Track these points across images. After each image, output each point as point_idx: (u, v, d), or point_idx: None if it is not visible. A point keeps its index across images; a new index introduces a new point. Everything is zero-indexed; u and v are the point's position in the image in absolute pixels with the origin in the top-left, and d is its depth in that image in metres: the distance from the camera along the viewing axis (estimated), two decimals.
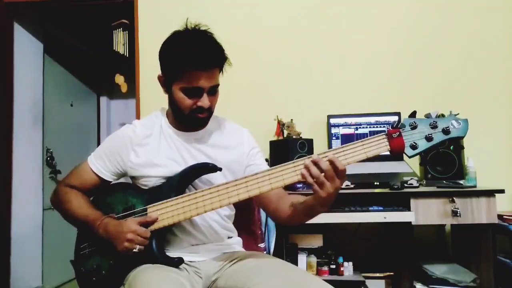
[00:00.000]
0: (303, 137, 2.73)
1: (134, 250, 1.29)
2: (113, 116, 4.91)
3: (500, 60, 2.92)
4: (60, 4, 3.53)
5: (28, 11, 3.50)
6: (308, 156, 1.20)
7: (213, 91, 1.39)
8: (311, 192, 1.19)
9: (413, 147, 1.17)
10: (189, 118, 1.41)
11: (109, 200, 1.48)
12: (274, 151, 2.76)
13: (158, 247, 1.35)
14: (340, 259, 2.58)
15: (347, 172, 1.17)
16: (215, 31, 1.41)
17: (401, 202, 2.31)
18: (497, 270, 2.26)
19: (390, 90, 2.98)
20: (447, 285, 2.34)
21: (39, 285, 3.52)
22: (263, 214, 2.05)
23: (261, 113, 3.00)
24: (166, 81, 1.42)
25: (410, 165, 2.61)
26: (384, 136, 1.19)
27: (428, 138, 1.17)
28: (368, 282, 2.55)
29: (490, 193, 2.27)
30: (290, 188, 2.40)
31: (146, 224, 1.34)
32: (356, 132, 2.81)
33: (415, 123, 1.18)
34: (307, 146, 2.59)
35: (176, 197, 1.34)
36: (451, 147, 2.53)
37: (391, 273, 2.64)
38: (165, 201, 1.35)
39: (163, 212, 1.34)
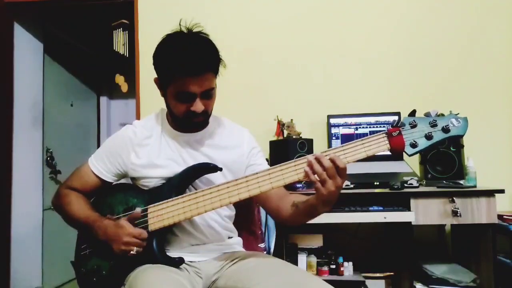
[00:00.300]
0: (303, 137, 2.72)
1: (132, 252, 1.29)
2: (113, 116, 4.91)
3: (500, 60, 2.92)
4: (60, 4, 3.54)
5: (28, 11, 3.50)
6: (311, 155, 1.20)
7: (207, 95, 1.36)
8: (312, 192, 1.19)
9: (413, 145, 1.17)
10: (184, 123, 1.42)
11: (110, 201, 1.48)
12: (274, 151, 2.76)
13: (158, 247, 1.36)
14: (340, 259, 2.58)
15: (347, 172, 1.17)
16: (215, 31, 1.40)
17: (401, 202, 2.31)
18: (497, 270, 2.26)
19: (390, 90, 2.98)
20: (447, 285, 2.34)
21: (39, 285, 3.52)
22: (263, 214, 2.05)
23: (261, 113, 3.00)
24: (160, 85, 1.42)
25: (410, 165, 2.61)
26: (384, 135, 1.19)
27: (428, 137, 1.17)
28: (368, 282, 2.55)
29: (490, 193, 2.26)
30: (290, 188, 2.40)
31: (145, 224, 1.34)
32: (356, 132, 2.82)
33: (415, 122, 1.18)
34: (307, 146, 2.59)
35: (176, 197, 1.34)
36: (451, 147, 2.53)
37: (391, 273, 2.64)
38: (165, 201, 1.35)
39: (164, 212, 1.34)
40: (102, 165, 1.49)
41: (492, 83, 2.92)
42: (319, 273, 2.54)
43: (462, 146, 2.54)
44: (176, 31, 1.38)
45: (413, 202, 2.28)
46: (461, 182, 2.48)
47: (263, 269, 1.32)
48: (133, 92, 3.37)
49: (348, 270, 2.57)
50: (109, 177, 1.50)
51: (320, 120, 2.96)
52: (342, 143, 2.76)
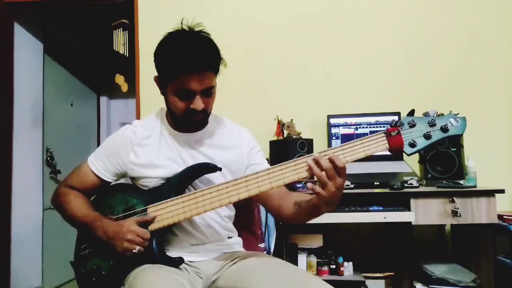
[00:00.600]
0: (303, 137, 2.73)
1: (134, 250, 1.29)
2: (113, 116, 4.91)
3: (500, 60, 2.92)
4: (60, 4, 3.54)
5: (28, 11, 3.50)
6: (309, 155, 1.20)
7: (207, 93, 1.36)
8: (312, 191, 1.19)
9: (412, 145, 1.17)
10: (184, 121, 1.41)
11: (109, 201, 1.48)
12: (274, 151, 2.76)
13: (158, 247, 1.35)
14: (340, 259, 2.58)
15: (347, 172, 1.18)
16: (215, 31, 1.40)
17: (401, 202, 2.31)
18: (497, 270, 2.26)
19: (390, 90, 2.99)
20: (447, 285, 2.34)
21: (39, 285, 3.52)
22: (263, 214, 2.05)
23: (261, 113, 3.01)
24: (160, 83, 1.42)
25: (410, 165, 2.61)
26: (383, 135, 1.20)
27: (427, 136, 1.17)
28: (368, 282, 2.55)
29: (490, 193, 2.27)
30: (290, 188, 2.40)
31: (145, 224, 1.34)
32: (356, 132, 2.82)
33: (414, 122, 1.18)
34: (307, 146, 2.59)
35: (176, 197, 1.34)
36: (451, 147, 2.53)
37: (391, 273, 2.64)
38: (165, 201, 1.35)
39: (163, 212, 1.34)
40: (101, 165, 1.49)
41: (492, 83, 2.92)
42: (319, 273, 2.54)
43: (462, 145, 2.53)
44: (177, 29, 1.38)
45: (413, 202, 2.28)
46: (461, 182, 2.48)
47: (263, 269, 1.32)
48: (133, 92, 3.37)
49: (348, 270, 2.57)
50: (108, 177, 1.50)
51: (320, 120, 2.96)
52: (342, 143, 2.77)
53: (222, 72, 1.40)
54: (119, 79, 4.09)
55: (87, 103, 4.52)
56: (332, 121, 2.85)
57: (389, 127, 1.20)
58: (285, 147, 2.63)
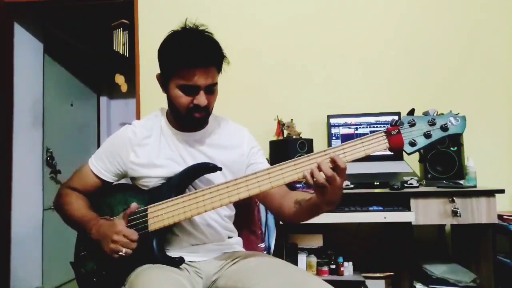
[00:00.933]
0: (303, 137, 2.73)
1: (121, 253, 1.27)
2: (113, 116, 4.91)
3: (500, 60, 2.92)
4: (60, 4, 3.54)
5: (28, 11, 3.50)
6: (309, 155, 1.20)
7: (210, 90, 1.38)
8: (312, 191, 1.19)
9: (412, 144, 1.18)
10: (186, 118, 1.41)
11: (110, 201, 1.48)
12: (274, 151, 2.76)
13: (158, 247, 1.35)
14: (340, 259, 2.58)
15: (347, 172, 1.18)
16: (215, 31, 1.41)
17: (401, 202, 2.31)
18: (497, 270, 2.26)
19: (390, 90, 2.99)
20: (447, 285, 2.34)
21: (39, 285, 3.52)
22: (263, 214, 2.05)
23: (261, 113, 3.01)
24: (163, 79, 1.42)
25: (410, 165, 2.61)
26: (383, 134, 1.20)
27: (427, 135, 1.18)
28: (368, 282, 2.55)
29: (490, 193, 2.27)
30: (290, 188, 2.40)
31: (143, 224, 1.34)
32: (356, 132, 2.82)
33: (414, 121, 1.19)
34: (307, 146, 2.59)
35: (176, 197, 1.34)
36: (451, 147, 2.53)
37: (391, 273, 2.64)
38: (165, 201, 1.35)
39: (164, 212, 1.34)
40: (102, 165, 1.49)
41: (492, 83, 2.92)
42: (319, 273, 2.54)
43: (461, 144, 2.53)
44: (182, 27, 1.40)
45: (413, 202, 2.28)
46: (461, 182, 2.48)
47: (263, 269, 1.32)
48: (133, 92, 3.37)
49: (348, 270, 2.57)
50: (109, 177, 1.50)
51: (320, 120, 2.96)
52: (342, 143, 2.79)
53: (225, 69, 1.42)
54: (119, 79, 4.10)
55: (87, 103, 4.52)
56: (332, 121, 2.85)
57: (389, 126, 1.20)
58: (285, 147, 2.63)
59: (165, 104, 1.50)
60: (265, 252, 1.80)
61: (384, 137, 1.20)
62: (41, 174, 3.65)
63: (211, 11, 3.14)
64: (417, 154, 2.59)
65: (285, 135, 2.81)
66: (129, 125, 1.53)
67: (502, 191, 2.25)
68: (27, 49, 3.51)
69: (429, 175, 2.55)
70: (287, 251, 2.50)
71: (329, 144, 2.85)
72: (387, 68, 3.01)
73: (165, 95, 1.46)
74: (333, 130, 2.84)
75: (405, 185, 2.37)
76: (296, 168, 1.21)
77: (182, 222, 1.38)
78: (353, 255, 2.64)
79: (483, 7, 2.96)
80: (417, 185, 2.39)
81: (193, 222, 1.42)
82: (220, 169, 1.40)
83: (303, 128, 2.86)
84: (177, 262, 1.34)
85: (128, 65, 3.58)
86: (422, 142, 1.18)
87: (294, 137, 2.72)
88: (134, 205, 1.35)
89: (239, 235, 1.62)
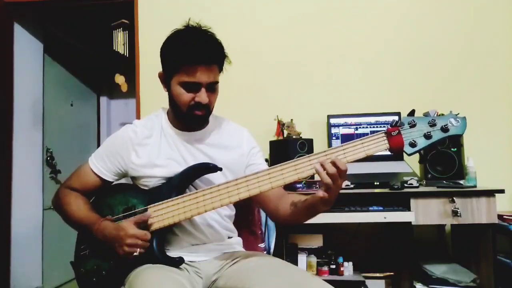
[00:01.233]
0: (303, 137, 2.73)
1: (135, 254, 1.30)
2: (113, 116, 4.91)
3: (500, 60, 2.92)
4: (60, 4, 3.54)
5: (28, 11, 3.50)
6: (308, 155, 1.20)
7: (211, 88, 1.39)
8: (312, 191, 1.20)
9: (412, 145, 1.18)
10: (187, 116, 1.41)
11: (110, 201, 1.48)
12: (274, 151, 2.76)
13: (158, 247, 1.36)
14: (340, 259, 2.58)
15: (347, 172, 1.18)
16: (215, 31, 1.42)
17: (401, 202, 2.31)
18: (497, 270, 2.26)
19: (390, 90, 2.99)
20: (447, 285, 2.34)
21: (39, 285, 3.52)
22: (263, 214, 2.05)
23: (261, 113, 3.01)
24: (166, 77, 1.42)
25: (410, 165, 2.61)
26: (384, 135, 1.20)
27: (427, 136, 1.18)
28: (368, 282, 2.55)
29: (490, 193, 2.26)
30: (290, 188, 2.40)
31: (143, 224, 1.34)
32: (356, 132, 2.81)
33: (414, 122, 1.19)
34: (307, 146, 2.59)
35: (176, 197, 1.34)
36: (450, 146, 2.53)
37: (391, 273, 2.64)
38: (165, 201, 1.35)
39: (164, 212, 1.34)
40: (102, 164, 1.49)
41: (492, 83, 2.92)
42: (319, 273, 2.54)
43: (461, 145, 2.53)
44: (185, 26, 1.41)
45: (413, 202, 2.28)
46: (461, 182, 2.48)
47: (263, 269, 1.32)
48: (133, 92, 3.37)
49: (348, 270, 2.57)
50: (109, 177, 1.50)
51: (320, 120, 2.96)
52: (342, 143, 2.77)
53: (225, 69, 1.43)
54: (119, 79, 4.10)
55: (87, 103, 4.52)
56: (332, 121, 2.85)
57: (389, 127, 1.20)
58: (285, 147, 2.63)
59: (165, 104, 1.50)
60: (265, 252, 1.80)
61: (385, 137, 1.20)
62: (41, 174, 3.65)
63: (211, 11, 3.14)
64: (417, 154, 2.59)
65: (285, 135, 2.81)
66: (130, 124, 1.53)
67: (502, 191, 2.25)
68: (27, 49, 3.51)
69: (429, 175, 2.55)
70: (287, 251, 2.50)
71: (329, 144, 2.85)
72: (387, 68, 3.01)
73: (165, 95, 1.46)
74: (333, 130, 2.84)
75: (405, 185, 2.37)
76: (297, 169, 1.21)
77: (182, 222, 1.38)
78: (353, 255, 2.64)
79: (483, 7, 2.96)
80: (417, 185, 2.39)
81: (193, 222, 1.42)
82: (220, 169, 1.40)
83: (303, 128, 2.86)
84: (177, 262, 1.35)
85: (128, 65, 3.58)
86: (422, 143, 1.18)
87: (294, 137, 2.73)
88: (148, 214, 1.36)
89: (239, 235, 1.62)
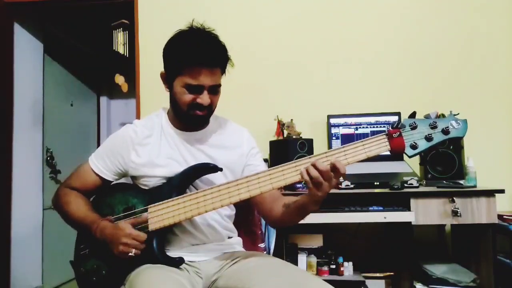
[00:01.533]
0: (303, 137, 2.73)
1: (130, 254, 1.29)
2: (113, 116, 4.91)
3: (500, 60, 2.93)
4: (60, 4, 3.54)
5: (28, 11, 3.50)
6: (309, 156, 1.20)
7: (214, 91, 1.39)
8: (304, 191, 1.20)
9: (413, 147, 1.18)
10: (188, 116, 1.41)
11: (109, 201, 1.48)
12: (274, 151, 2.76)
13: (158, 247, 1.36)
14: (340, 259, 2.58)
15: (347, 172, 1.18)
16: (215, 31, 1.41)
17: (401, 202, 2.31)
18: (497, 270, 2.26)
19: (390, 90, 2.99)
20: (447, 285, 2.34)
21: (39, 285, 3.52)
22: None
23: (261, 113, 3.01)
24: (168, 77, 1.42)
25: (410, 165, 2.61)
26: (385, 136, 1.20)
27: (428, 138, 1.18)
28: (368, 282, 2.55)
29: (490, 193, 2.26)
30: (290, 188, 2.41)
31: (142, 226, 1.34)
32: (356, 132, 2.81)
33: (415, 124, 1.19)
34: (307, 146, 2.59)
35: (177, 197, 1.34)
36: (451, 147, 2.53)
37: (391, 273, 2.64)
38: (166, 201, 1.35)
39: (164, 212, 1.34)
40: (102, 164, 1.49)
41: (492, 83, 2.92)
42: (319, 273, 2.54)
43: (462, 147, 2.53)
44: (189, 27, 1.41)
45: (413, 202, 2.28)
46: (461, 182, 2.48)
47: (263, 269, 1.33)
48: (133, 92, 3.38)
49: (348, 270, 2.57)
50: (109, 176, 1.50)
51: (320, 120, 2.96)
52: (342, 143, 2.80)
53: (228, 71, 1.43)
54: (119, 79, 4.10)
55: (87, 103, 4.52)
56: (332, 121, 2.85)
57: (390, 128, 1.20)
58: (285, 147, 2.63)
59: (166, 104, 1.50)
60: (265, 252, 1.80)
61: (386, 139, 1.20)
62: (41, 174, 3.65)
63: (211, 11, 3.14)
64: (418, 156, 2.59)
65: (285, 135, 2.81)
66: (130, 124, 1.53)
67: (502, 191, 2.25)
68: (27, 49, 3.51)
69: (429, 175, 2.55)
70: (287, 251, 2.50)
71: (329, 144, 2.85)
72: (387, 68, 3.01)
73: (165, 95, 1.46)
74: (333, 130, 2.84)
75: (405, 185, 2.37)
76: (297, 170, 1.21)
77: (182, 222, 1.38)
78: (353, 255, 2.64)
79: (483, 7, 2.96)
80: (417, 185, 2.39)
81: (193, 222, 1.43)
82: (221, 169, 1.41)
83: (303, 128, 2.86)
84: (177, 263, 1.35)
85: (128, 65, 3.58)
86: (423, 145, 1.18)
87: (294, 137, 2.73)
88: (145, 216, 1.36)
89: (239, 235, 1.62)
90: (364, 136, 2.75)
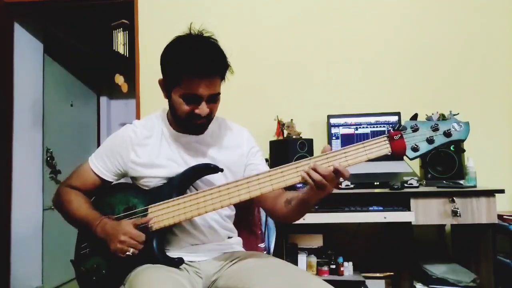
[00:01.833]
0: (303, 137, 2.73)
1: (127, 253, 1.29)
2: (113, 116, 4.91)
3: (500, 60, 2.92)
4: (60, 4, 3.53)
5: (28, 11, 3.50)
6: (309, 158, 1.21)
7: (213, 99, 1.37)
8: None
9: (415, 149, 1.18)
10: (186, 124, 1.41)
11: (110, 201, 1.48)
12: (274, 151, 2.76)
13: (158, 247, 1.36)
14: (340, 259, 2.58)
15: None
16: (215, 31, 1.40)
17: (401, 202, 2.31)
18: (497, 270, 2.26)
19: (390, 90, 2.98)
20: (447, 285, 2.35)
21: (39, 285, 3.52)
22: (263, 214, 2.06)
23: (261, 113, 3.01)
24: (166, 86, 1.41)
25: (410, 165, 2.61)
26: (386, 138, 1.20)
27: (429, 141, 1.18)
28: (368, 282, 2.55)
29: (490, 193, 2.27)
30: (290, 187, 2.40)
31: (143, 227, 1.34)
32: (356, 132, 2.81)
33: (417, 126, 1.19)
34: (307, 146, 2.59)
35: (177, 197, 1.34)
36: (451, 147, 2.53)
37: (391, 273, 2.64)
38: (166, 201, 1.35)
39: (164, 213, 1.34)
40: (102, 164, 1.49)
41: (492, 83, 2.92)
42: (319, 273, 2.54)
43: (463, 150, 2.52)
44: (186, 33, 1.38)
45: (413, 202, 2.28)
46: (461, 182, 2.48)
47: (263, 269, 1.33)
48: (133, 92, 3.37)
49: (348, 270, 2.57)
50: (109, 176, 1.50)
51: (320, 120, 2.96)
52: (342, 143, 2.80)
53: (228, 78, 1.41)
54: (119, 79, 4.10)
55: (87, 103, 4.52)
56: (332, 121, 2.85)
57: (391, 130, 1.20)
58: (285, 147, 2.63)
59: (166, 105, 1.50)
60: (265, 252, 1.81)
61: (387, 141, 1.20)
62: (41, 174, 3.65)
63: (211, 11, 3.14)
64: (419, 159, 2.59)
65: (285, 135, 2.81)
66: (130, 124, 1.53)
67: (502, 191, 2.25)
68: (27, 49, 3.51)
69: (429, 175, 2.56)
70: (287, 251, 2.50)
71: (329, 144, 2.83)
72: (387, 68, 3.01)
73: None
74: (333, 130, 2.84)
75: (405, 185, 2.37)
76: (298, 171, 1.22)
77: (182, 222, 1.38)
78: (353, 255, 2.64)
79: (482, 8, 2.95)
80: (417, 185, 2.39)
81: (193, 222, 1.43)
82: (222, 170, 1.40)
83: (303, 128, 2.86)
84: (177, 263, 1.35)
85: (128, 65, 3.58)
86: (424, 147, 1.19)
87: (294, 137, 2.73)
88: (149, 217, 1.36)
89: (239, 235, 1.63)
90: (364, 136, 2.75)
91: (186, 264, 1.39)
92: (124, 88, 4.11)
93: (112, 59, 4.37)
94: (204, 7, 3.15)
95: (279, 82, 3.07)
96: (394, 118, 2.77)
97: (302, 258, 2.54)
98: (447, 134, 1.18)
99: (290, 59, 3.08)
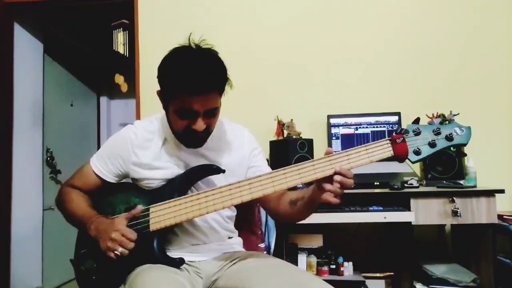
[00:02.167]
0: (303, 137, 2.73)
1: (116, 252, 1.27)
2: (113, 116, 4.91)
3: (500, 60, 2.93)
4: (60, 4, 3.53)
5: (28, 11, 3.50)
6: (310, 160, 1.21)
7: (210, 114, 1.32)
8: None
9: (417, 152, 1.19)
10: (184, 138, 1.39)
11: (111, 200, 1.48)
12: (274, 151, 2.76)
13: (159, 247, 1.36)
14: (340, 259, 2.58)
15: None
16: (215, 31, 1.40)
17: (401, 202, 2.31)
18: (497, 270, 2.26)
19: (390, 90, 2.99)
20: (447, 285, 2.35)
21: (39, 285, 3.52)
22: (263, 214, 2.05)
23: (261, 113, 3.01)
24: (163, 98, 1.39)
25: (410, 165, 2.61)
26: (388, 142, 1.20)
27: (432, 144, 1.19)
28: (368, 282, 2.55)
29: (490, 193, 2.27)
30: (292, 188, 2.40)
31: (143, 225, 1.34)
32: (356, 132, 2.81)
33: (419, 130, 1.20)
34: (307, 146, 2.60)
35: (179, 198, 1.34)
36: (452, 147, 2.53)
37: (391, 273, 2.64)
38: (167, 201, 1.35)
39: (166, 213, 1.34)
40: (103, 165, 1.49)
41: (492, 83, 2.92)
42: (319, 273, 2.54)
43: (465, 154, 2.51)
44: (184, 45, 1.33)
45: (413, 202, 2.28)
46: (461, 182, 2.48)
47: (263, 269, 1.33)
48: (133, 92, 3.37)
49: (348, 270, 2.57)
50: (110, 177, 1.50)
51: (320, 120, 2.96)
52: (342, 143, 2.80)
53: (227, 92, 1.36)
54: (119, 79, 4.10)
55: (87, 103, 4.53)
56: (332, 121, 2.85)
57: (394, 134, 1.20)
58: (285, 147, 2.63)
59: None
60: (265, 252, 1.81)
61: (389, 144, 1.20)
62: (41, 174, 3.65)
63: (211, 11, 3.14)
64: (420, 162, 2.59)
65: (285, 135, 2.82)
66: (131, 125, 1.53)
67: (502, 191, 2.25)
68: (27, 49, 3.51)
69: (429, 175, 2.56)
70: (287, 251, 2.50)
71: (329, 144, 2.84)
72: (387, 68, 3.01)
73: None
74: (333, 130, 2.84)
75: (405, 185, 2.37)
76: (300, 173, 1.22)
77: (183, 222, 1.38)
78: (353, 255, 2.64)
79: (482, 8, 2.96)
80: (417, 185, 2.39)
81: (194, 222, 1.43)
82: (224, 171, 1.39)
83: (303, 128, 2.86)
84: (177, 263, 1.35)
85: (128, 65, 3.58)
86: (426, 151, 1.19)
87: (294, 137, 2.73)
88: (139, 208, 1.35)
89: (239, 235, 1.63)
90: (364, 136, 2.76)
91: (187, 264, 1.39)
92: (124, 88, 4.11)
93: (112, 59, 4.37)
94: (204, 7, 3.15)
95: (279, 82, 3.07)
96: (394, 118, 2.77)
97: (302, 258, 2.54)
98: (449, 138, 1.19)
99: (290, 59, 3.08)
